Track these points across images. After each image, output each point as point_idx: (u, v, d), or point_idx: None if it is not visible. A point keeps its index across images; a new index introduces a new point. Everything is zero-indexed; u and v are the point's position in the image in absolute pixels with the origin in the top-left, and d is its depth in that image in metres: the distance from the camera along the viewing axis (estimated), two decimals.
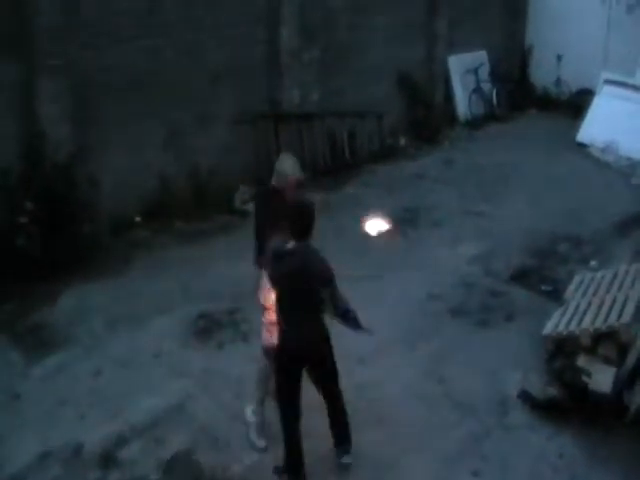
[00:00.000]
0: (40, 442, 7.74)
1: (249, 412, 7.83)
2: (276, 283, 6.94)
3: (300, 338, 6.97)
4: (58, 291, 10.35)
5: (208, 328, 9.84)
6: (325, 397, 7.33)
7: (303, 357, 7.10)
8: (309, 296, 6.95)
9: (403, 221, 12.82)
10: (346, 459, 7.46)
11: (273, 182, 7.76)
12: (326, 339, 7.14)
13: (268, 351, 7.44)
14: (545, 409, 8.33)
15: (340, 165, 14.89)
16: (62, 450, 7.65)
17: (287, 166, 7.64)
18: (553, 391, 8.39)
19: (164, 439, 7.88)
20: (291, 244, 6.85)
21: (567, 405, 8.29)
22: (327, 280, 6.92)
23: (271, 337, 7.32)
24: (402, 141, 16.49)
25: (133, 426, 8.01)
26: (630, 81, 16.37)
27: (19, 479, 7.31)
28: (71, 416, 8.17)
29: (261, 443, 7.69)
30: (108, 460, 7.57)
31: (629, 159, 15.42)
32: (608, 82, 16.63)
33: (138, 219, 12.29)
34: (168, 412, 8.26)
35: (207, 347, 9.49)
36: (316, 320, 7.04)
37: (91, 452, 7.65)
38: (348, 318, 7.10)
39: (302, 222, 6.83)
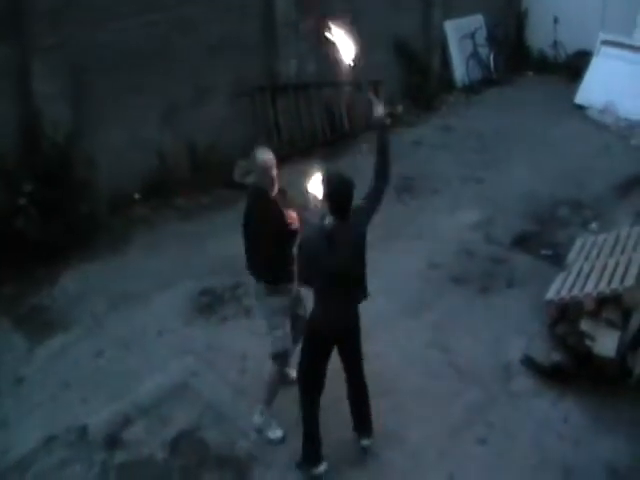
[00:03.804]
0: (45, 426, 7.77)
1: (257, 416, 7.72)
2: (325, 268, 6.62)
3: (338, 321, 6.87)
4: (58, 272, 10.34)
5: (210, 304, 9.85)
6: (349, 376, 7.28)
7: (338, 339, 7.02)
8: (357, 280, 6.84)
9: (402, 189, 12.80)
10: (366, 442, 7.43)
11: (257, 183, 7.40)
12: (358, 322, 7.06)
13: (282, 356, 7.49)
14: (549, 374, 8.36)
15: (338, 134, 14.82)
16: (67, 433, 7.68)
17: (257, 155, 7.34)
18: (557, 356, 8.40)
19: (169, 418, 7.91)
20: (332, 223, 6.60)
21: (571, 370, 8.31)
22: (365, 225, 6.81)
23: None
24: (399, 109, 16.40)
25: (137, 406, 8.04)
26: (628, 41, 16.22)
27: (25, 463, 7.34)
28: (75, 398, 8.19)
29: (278, 433, 7.63)
30: (113, 441, 7.60)
31: (628, 120, 15.32)
32: (606, 43, 16.48)
33: (137, 196, 12.23)
34: (172, 390, 8.29)
35: (210, 323, 9.50)
36: (355, 304, 6.94)
37: (96, 434, 7.69)
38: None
39: (345, 199, 6.55)
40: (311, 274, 6.75)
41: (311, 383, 7.07)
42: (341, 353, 7.13)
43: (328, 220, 6.62)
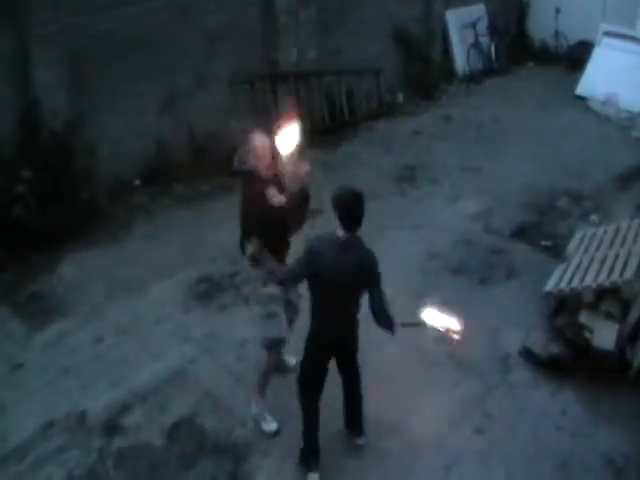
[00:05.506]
0: (43, 412, 7.77)
1: (254, 406, 7.71)
2: (321, 276, 6.57)
3: (337, 330, 6.87)
4: (57, 259, 10.31)
5: (209, 292, 9.84)
6: (345, 379, 7.30)
7: (337, 347, 7.02)
8: (354, 292, 6.77)
9: (402, 179, 12.80)
10: (360, 441, 7.45)
11: (250, 167, 7.33)
12: (356, 330, 7.07)
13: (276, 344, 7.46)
14: (547, 366, 8.37)
15: (338, 123, 14.79)
16: (66, 419, 7.70)
17: (252, 139, 7.29)
18: (555, 348, 8.42)
19: (167, 404, 7.92)
20: (341, 235, 6.53)
21: (570, 362, 8.32)
22: (377, 279, 6.75)
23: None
24: (400, 98, 16.37)
25: (136, 392, 8.05)
26: (630, 33, 16.21)
27: (24, 449, 7.35)
28: (74, 384, 8.19)
29: (272, 426, 7.60)
30: (112, 427, 7.62)
31: (629, 112, 15.31)
32: (607, 34, 16.47)
33: (137, 183, 12.19)
34: (171, 377, 8.30)
35: (208, 311, 9.50)
36: (354, 314, 6.92)
37: (95, 420, 7.70)
38: (387, 322, 6.92)
39: (355, 213, 6.47)
40: (309, 278, 6.69)
41: (312, 389, 7.05)
42: (338, 359, 7.15)
43: (339, 232, 6.55)
